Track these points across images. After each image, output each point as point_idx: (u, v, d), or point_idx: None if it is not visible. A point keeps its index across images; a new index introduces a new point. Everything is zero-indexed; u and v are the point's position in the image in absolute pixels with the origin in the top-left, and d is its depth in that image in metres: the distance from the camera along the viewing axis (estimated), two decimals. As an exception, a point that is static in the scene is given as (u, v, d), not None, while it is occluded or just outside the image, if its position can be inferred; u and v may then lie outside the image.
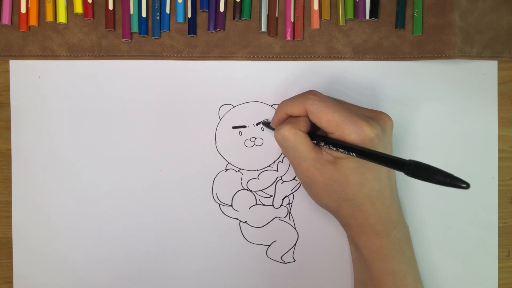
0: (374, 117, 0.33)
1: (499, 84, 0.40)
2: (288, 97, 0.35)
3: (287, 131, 0.33)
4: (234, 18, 0.39)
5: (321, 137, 0.33)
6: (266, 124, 0.39)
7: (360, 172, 0.32)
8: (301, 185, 0.39)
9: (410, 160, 0.26)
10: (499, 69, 0.40)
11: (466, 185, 0.23)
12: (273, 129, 0.37)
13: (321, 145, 0.33)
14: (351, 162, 0.32)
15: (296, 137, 0.33)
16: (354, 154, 0.30)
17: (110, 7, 0.38)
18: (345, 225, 0.36)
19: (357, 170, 0.32)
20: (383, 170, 0.33)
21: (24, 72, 0.39)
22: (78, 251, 0.39)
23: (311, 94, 0.33)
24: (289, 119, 0.35)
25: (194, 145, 0.39)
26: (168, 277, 0.40)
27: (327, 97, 0.33)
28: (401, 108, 0.40)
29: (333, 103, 0.32)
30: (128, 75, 0.39)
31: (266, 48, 0.39)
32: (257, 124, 0.39)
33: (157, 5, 0.38)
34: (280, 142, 0.34)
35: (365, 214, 0.33)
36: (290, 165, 0.39)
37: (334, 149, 0.32)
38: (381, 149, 0.32)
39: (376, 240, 0.34)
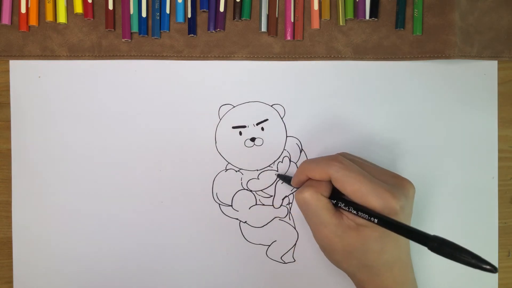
0: (397, 184, 0.33)
1: (499, 84, 0.40)
2: (288, 97, 0.34)
3: (309, 196, 0.32)
4: (234, 18, 0.39)
5: (342, 199, 0.33)
6: (284, 178, 0.39)
7: (382, 241, 0.32)
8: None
9: (434, 236, 0.25)
10: (499, 69, 0.40)
11: (493, 269, 0.22)
12: (289, 183, 0.36)
13: (341, 206, 0.32)
14: (374, 231, 0.32)
15: (319, 202, 0.32)
16: (375, 220, 0.29)
17: (110, 7, 0.38)
18: (361, 287, 0.36)
19: (380, 239, 0.32)
20: (404, 238, 0.33)
21: (24, 72, 0.39)
22: (77, 251, 0.39)
23: (336, 161, 0.32)
24: (310, 181, 0.34)
25: (194, 145, 0.39)
26: (168, 276, 0.40)
27: (352, 164, 0.32)
28: (400, 108, 0.40)
29: (357, 172, 0.31)
30: (128, 75, 0.39)
31: (266, 48, 0.39)
32: (277, 176, 0.39)
33: (157, 5, 0.38)
34: (301, 205, 0.33)
35: (381, 278, 0.33)
36: (290, 166, 0.39)
37: (355, 212, 0.31)
38: (403, 218, 0.31)
39: None
